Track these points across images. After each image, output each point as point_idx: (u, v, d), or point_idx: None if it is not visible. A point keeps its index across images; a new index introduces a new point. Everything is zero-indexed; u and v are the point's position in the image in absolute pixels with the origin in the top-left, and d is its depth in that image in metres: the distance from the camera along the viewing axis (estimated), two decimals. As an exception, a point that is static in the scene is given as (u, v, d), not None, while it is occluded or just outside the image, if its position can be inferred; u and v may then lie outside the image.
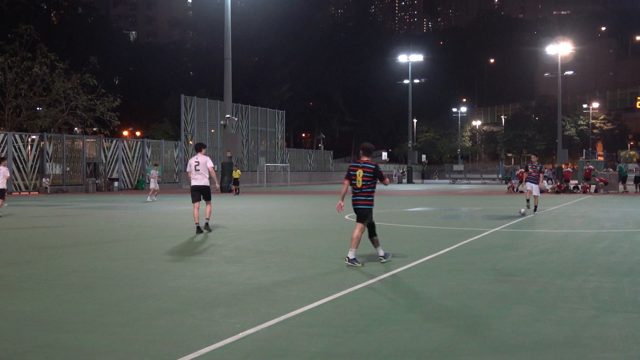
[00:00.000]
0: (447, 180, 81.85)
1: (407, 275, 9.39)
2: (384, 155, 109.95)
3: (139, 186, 51.15)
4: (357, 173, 10.30)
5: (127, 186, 51.11)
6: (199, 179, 15.24)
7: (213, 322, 6.51)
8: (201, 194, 15.34)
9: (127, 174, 51.87)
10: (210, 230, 15.71)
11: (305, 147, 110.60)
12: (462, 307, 7.22)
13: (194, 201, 15.38)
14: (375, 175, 10.29)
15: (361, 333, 6.11)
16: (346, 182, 10.53)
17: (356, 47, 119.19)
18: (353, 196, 10.48)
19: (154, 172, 33.25)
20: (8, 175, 21.79)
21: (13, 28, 52.99)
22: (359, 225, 10.38)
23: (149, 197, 32.43)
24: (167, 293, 8.06)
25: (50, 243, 13.84)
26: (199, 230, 15.23)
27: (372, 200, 10.42)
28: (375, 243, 10.73)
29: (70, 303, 7.47)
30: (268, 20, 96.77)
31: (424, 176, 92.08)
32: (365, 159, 10.43)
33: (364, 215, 10.38)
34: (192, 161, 15.29)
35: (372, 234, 10.68)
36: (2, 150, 42.44)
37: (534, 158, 23.44)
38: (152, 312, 6.96)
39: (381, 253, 10.72)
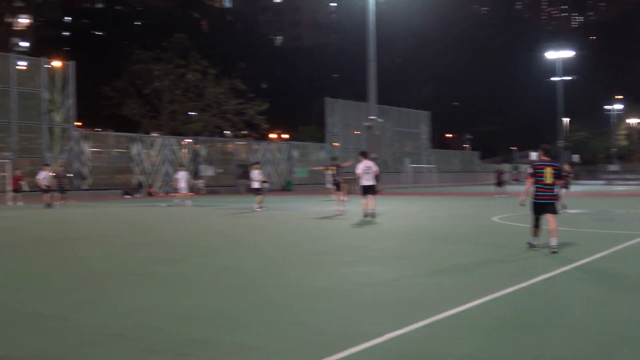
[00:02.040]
0: (601, 182, 77.85)
1: (558, 280, 9.06)
2: (534, 155, 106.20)
3: (287, 187, 52.38)
4: (546, 170, 11.45)
5: (276, 187, 52.45)
6: (369, 180, 19.76)
7: (359, 323, 6.57)
8: (368, 191, 19.77)
9: (276, 176, 53.26)
10: (374, 217, 19.56)
11: (452, 147, 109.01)
12: (618, 315, 6.89)
13: (364, 195, 19.86)
14: (559, 173, 11.61)
15: (510, 338, 5.98)
16: (530, 180, 11.64)
17: (502, 45, 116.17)
18: (539, 192, 11.52)
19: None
20: (259, 177, 25.94)
21: (168, 38, 55.82)
22: (552, 217, 11.52)
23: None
24: (313, 293, 8.22)
25: (207, 242, 14.49)
26: (365, 215, 19.63)
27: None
28: (536, 233, 11.81)
29: (224, 300, 7.79)
30: (412, 20, 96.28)
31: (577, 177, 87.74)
32: (546, 158, 11.66)
33: (555, 208, 11.59)
34: (362, 165, 19.79)
35: (538, 225, 11.72)
36: (160, 153, 44.93)
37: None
38: (300, 312, 7.13)
39: (535, 242, 11.86)
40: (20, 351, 5.60)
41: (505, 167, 75.61)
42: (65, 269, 10.47)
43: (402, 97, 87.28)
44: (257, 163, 28.90)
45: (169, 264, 10.86)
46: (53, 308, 7.37)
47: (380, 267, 10.31)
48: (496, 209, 25.54)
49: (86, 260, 11.42)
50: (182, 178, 30.79)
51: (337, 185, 24.45)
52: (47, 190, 30.27)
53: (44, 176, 30.48)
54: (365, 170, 19.70)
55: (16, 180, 33.39)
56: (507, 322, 6.56)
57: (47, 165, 32.67)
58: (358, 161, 20.46)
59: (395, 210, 24.81)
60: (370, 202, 19.70)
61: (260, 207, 25.39)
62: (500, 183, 38.79)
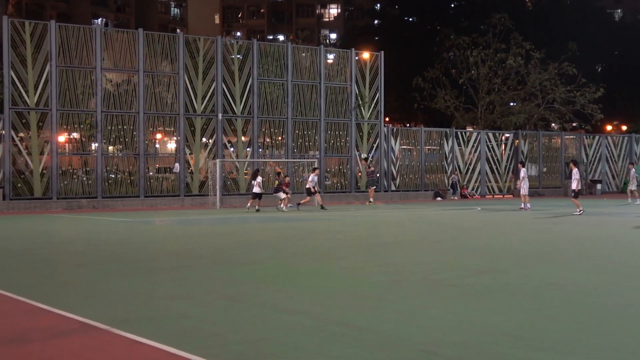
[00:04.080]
0: None
1: None
2: None
3: (625, 188, 49.76)
4: None
5: (612, 189, 50.06)
6: None
7: None
8: None
9: (612, 175, 50.84)
10: None
11: None
12: None
13: None
14: None
15: None
16: None
17: None
18: None
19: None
20: (577, 177, 26.84)
21: (486, 19, 55.45)
22: None
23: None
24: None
25: (523, 251, 14.30)
26: None
27: None
28: None
29: (547, 319, 7.61)
30: None
31: None
32: None
33: None
34: None
35: None
36: (476, 150, 45.24)
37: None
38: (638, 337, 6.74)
39: None
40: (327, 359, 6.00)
41: None
42: (374, 274, 10.98)
43: None
44: (573, 161, 28.64)
45: (484, 275, 10.88)
46: (361, 317, 7.77)
47: None
48: None
49: (394, 266, 11.88)
50: (522, 177, 30.50)
51: None
52: (312, 192, 32.02)
53: (312, 179, 32.26)
54: None
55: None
56: None
57: (316, 168, 34.22)
58: None
59: None
60: None
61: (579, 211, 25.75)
62: None
